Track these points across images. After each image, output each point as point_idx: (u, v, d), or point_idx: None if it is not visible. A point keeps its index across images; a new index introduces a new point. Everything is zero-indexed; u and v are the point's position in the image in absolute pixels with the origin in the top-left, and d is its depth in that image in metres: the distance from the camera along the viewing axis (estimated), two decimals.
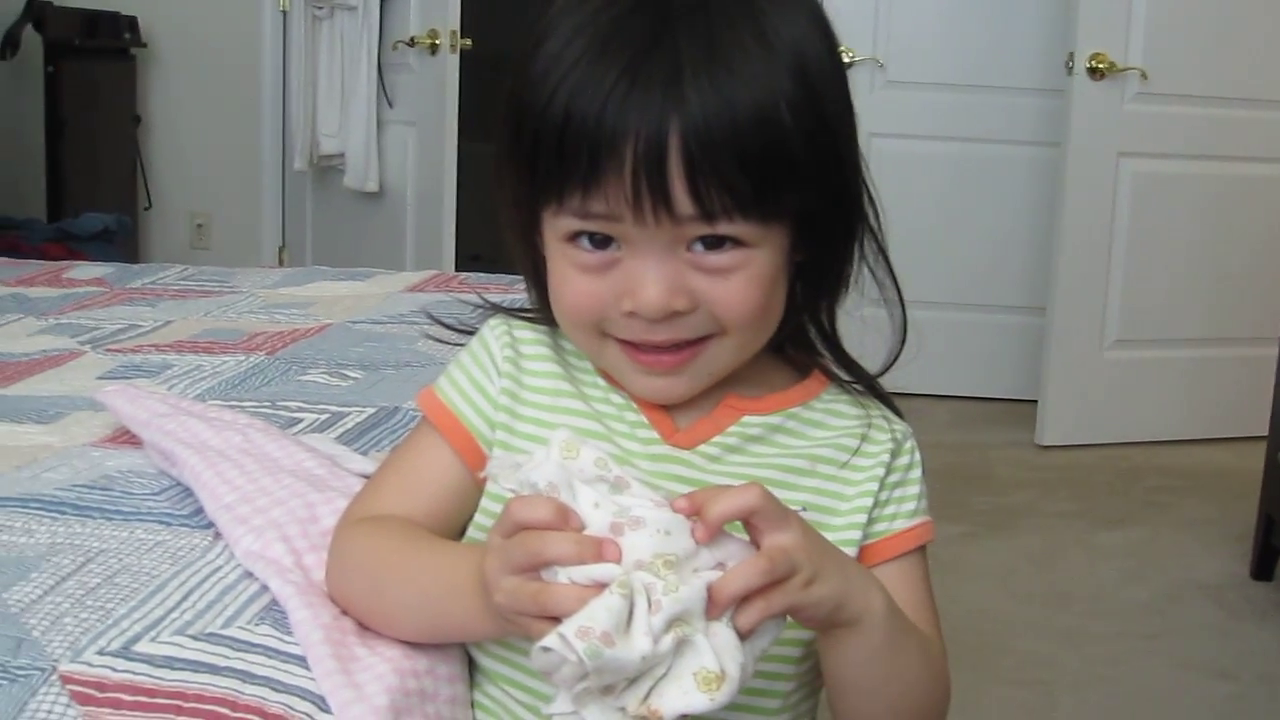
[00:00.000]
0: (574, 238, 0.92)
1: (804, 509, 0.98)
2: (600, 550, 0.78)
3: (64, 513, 1.28)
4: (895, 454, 1.02)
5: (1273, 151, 4.30)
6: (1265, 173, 4.30)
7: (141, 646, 1.02)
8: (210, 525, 1.22)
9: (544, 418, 1.00)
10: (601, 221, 0.90)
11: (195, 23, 5.07)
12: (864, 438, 1.02)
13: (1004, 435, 4.37)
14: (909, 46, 4.67)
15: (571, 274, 0.93)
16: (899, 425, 1.05)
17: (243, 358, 1.94)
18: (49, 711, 0.94)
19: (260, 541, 1.12)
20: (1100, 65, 4.07)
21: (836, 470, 1.01)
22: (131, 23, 4.90)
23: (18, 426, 1.60)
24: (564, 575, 0.78)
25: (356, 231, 4.84)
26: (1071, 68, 4.09)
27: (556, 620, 0.77)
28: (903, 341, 1.05)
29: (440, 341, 1.44)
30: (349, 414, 1.64)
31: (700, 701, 0.77)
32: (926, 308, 4.61)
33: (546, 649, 0.76)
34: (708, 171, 0.86)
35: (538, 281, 1.03)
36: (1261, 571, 3.25)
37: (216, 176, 5.16)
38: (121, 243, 4.57)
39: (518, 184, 0.94)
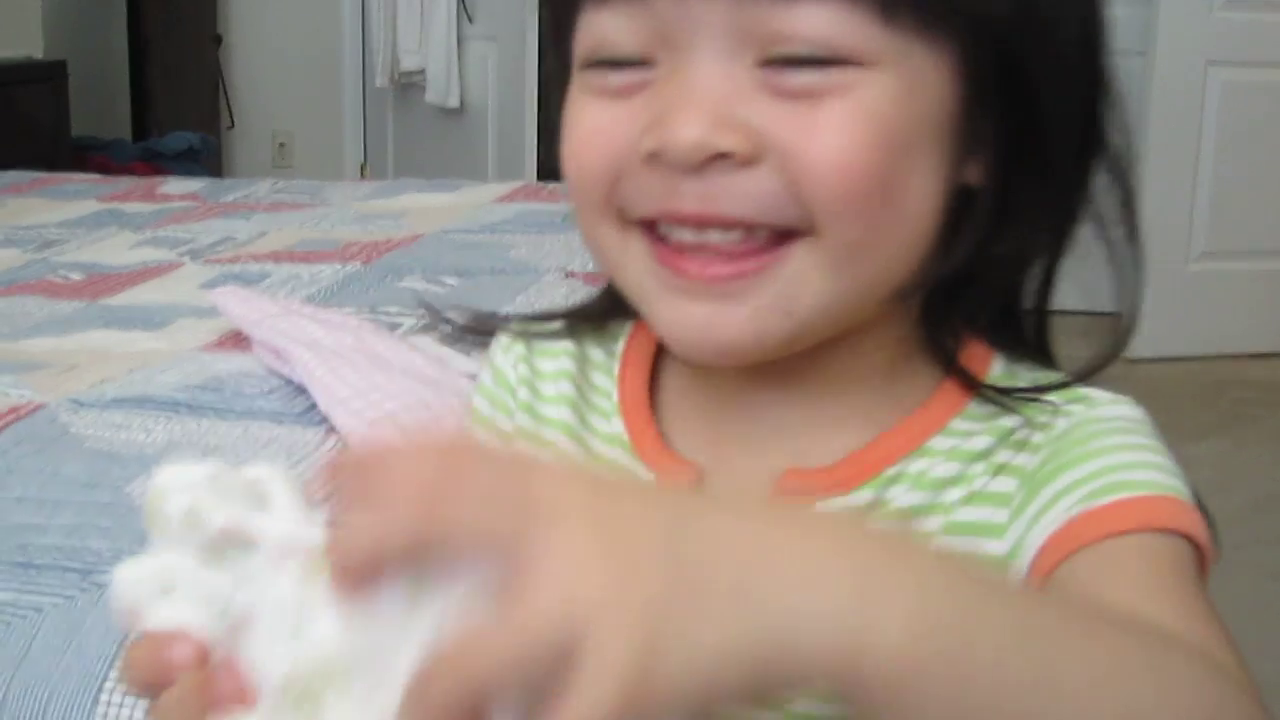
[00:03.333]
0: (598, 65, 0.58)
1: None
2: (215, 694, 0.43)
3: (179, 412, 1.31)
4: (1036, 448, 0.59)
5: None
6: None
7: None
8: (322, 422, 1.26)
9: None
10: (628, 3, 0.55)
11: None
12: (1000, 468, 0.59)
13: (1091, 349, 4.34)
14: None
15: (588, 104, 0.58)
16: (1064, 400, 0.61)
17: (339, 266, 1.97)
18: None
19: (373, 430, 1.15)
20: None
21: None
22: None
23: (126, 333, 1.64)
24: None
25: (438, 148, 4.86)
26: None
27: None
28: (1134, 314, 0.66)
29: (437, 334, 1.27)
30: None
31: None
32: None
33: None
34: None
35: None
36: None
37: (298, 94, 5.18)
38: (206, 161, 4.62)
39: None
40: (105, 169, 3.92)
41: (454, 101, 4.74)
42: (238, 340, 1.53)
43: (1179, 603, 0.51)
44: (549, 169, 4.54)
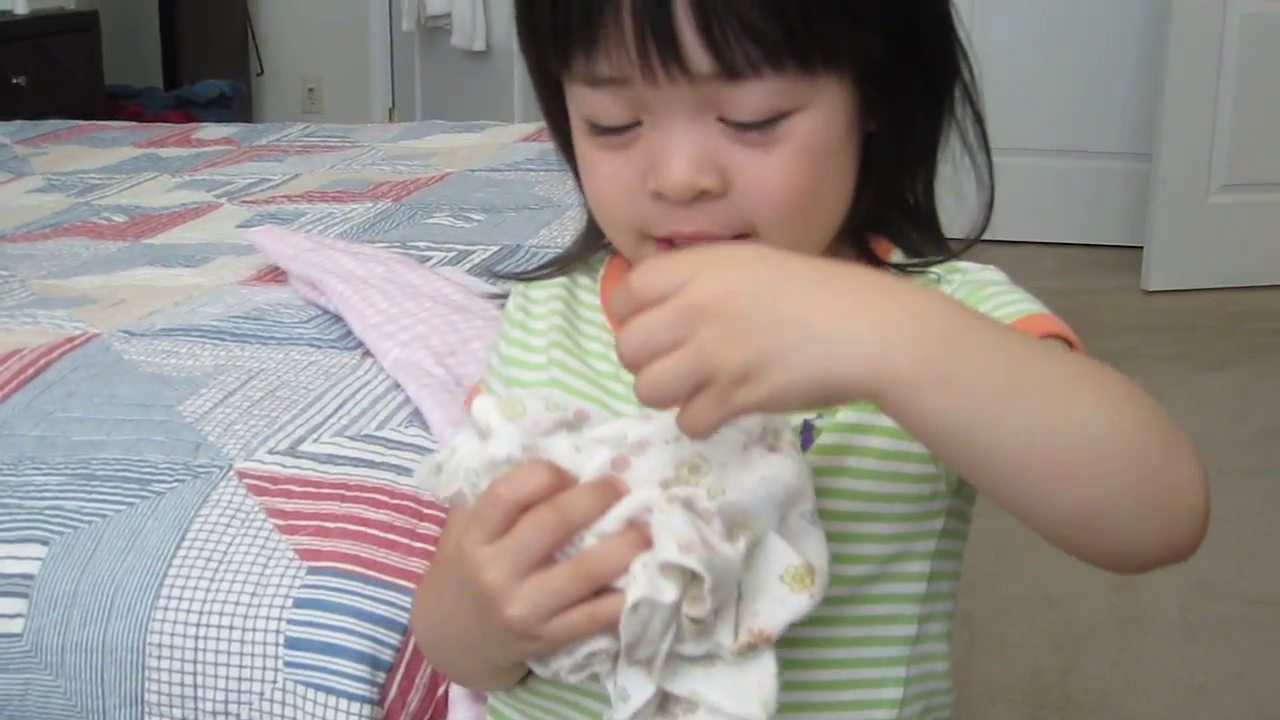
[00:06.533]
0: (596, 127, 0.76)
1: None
2: (615, 489, 0.65)
3: (223, 339, 1.40)
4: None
5: None
6: None
7: (306, 446, 1.14)
8: (357, 347, 1.34)
9: (530, 377, 0.84)
10: (611, 87, 0.73)
11: None
12: None
13: (1110, 281, 4.38)
14: None
15: (595, 157, 0.77)
16: (944, 272, 0.81)
17: (370, 205, 2.05)
18: (229, 501, 1.06)
19: (406, 351, 1.23)
20: None
21: None
22: None
23: (169, 270, 1.73)
24: (590, 537, 0.64)
25: (465, 90, 4.92)
26: None
27: (607, 593, 0.64)
28: (990, 201, 0.84)
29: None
30: (474, 251, 1.75)
31: (801, 603, 0.65)
32: (1030, 155, 4.62)
33: (636, 606, 0.62)
34: (721, 11, 0.69)
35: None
36: None
37: (326, 40, 5.25)
38: (237, 108, 4.70)
39: (534, 57, 0.79)
40: (138, 117, 4.00)
41: (480, 45, 4.80)
42: (275, 275, 1.61)
43: None
44: None
